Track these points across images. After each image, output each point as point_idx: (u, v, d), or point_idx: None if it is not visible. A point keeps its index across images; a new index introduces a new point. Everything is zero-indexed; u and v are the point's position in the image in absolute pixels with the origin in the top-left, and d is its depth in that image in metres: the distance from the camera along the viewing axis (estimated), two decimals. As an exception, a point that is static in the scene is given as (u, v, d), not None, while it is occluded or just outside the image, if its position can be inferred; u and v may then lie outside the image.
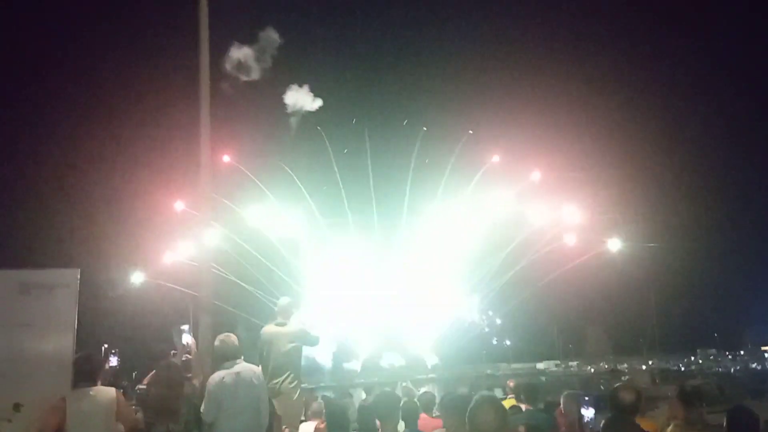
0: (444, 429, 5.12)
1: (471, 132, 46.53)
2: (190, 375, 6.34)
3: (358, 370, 46.24)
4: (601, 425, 4.33)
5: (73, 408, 5.64)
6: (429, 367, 50.77)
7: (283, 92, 46.71)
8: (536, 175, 44.07)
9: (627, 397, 4.69)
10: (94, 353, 6.13)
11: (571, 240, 41.50)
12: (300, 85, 46.63)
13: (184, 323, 6.83)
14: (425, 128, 46.40)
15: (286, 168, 45.91)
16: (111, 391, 5.86)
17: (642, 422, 5.09)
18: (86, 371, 5.83)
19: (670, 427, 5.91)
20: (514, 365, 65.66)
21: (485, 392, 2.93)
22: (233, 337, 6.52)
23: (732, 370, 51.94)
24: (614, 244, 39.71)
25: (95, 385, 5.80)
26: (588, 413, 4.71)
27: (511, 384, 8.78)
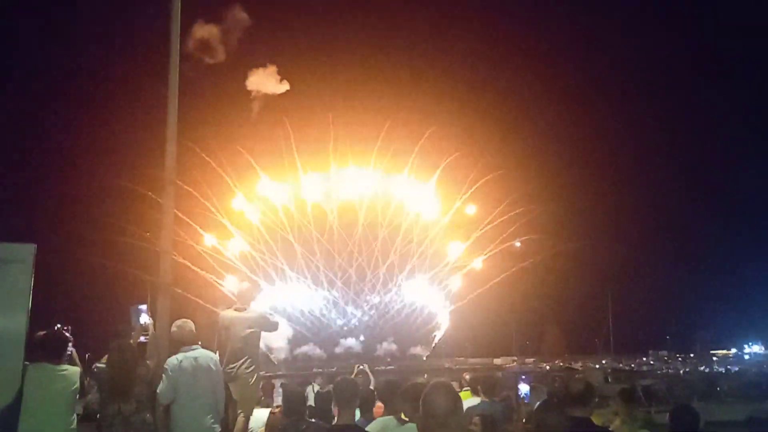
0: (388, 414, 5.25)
1: (432, 129, 47.04)
2: (145, 356, 6.29)
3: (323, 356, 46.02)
4: (534, 409, 4.48)
5: (39, 384, 5.63)
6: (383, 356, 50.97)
7: (248, 75, 46.22)
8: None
9: (576, 386, 4.83)
10: (60, 331, 6.10)
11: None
12: (266, 68, 46.14)
13: (141, 303, 6.77)
14: (387, 123, 46.69)
15: (246, 155, 45.62)
16: (77, 371, 5.91)
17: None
18: (53, 348, 5.83)
19: (615, 422, 6.11)
20: (472, 360, 66.44)
21: (440, 379, 3.00)
22: (190, 324, 6.58)
23: (681, 371, 53.36)
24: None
25: (60, 362, 5.80)
26: (524, 389, 4.89)
27: (467, 377, 8.91)
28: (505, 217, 49.60)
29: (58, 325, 6.48)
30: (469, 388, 8.21)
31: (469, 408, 6.96)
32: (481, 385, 7.93)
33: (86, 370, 6.16)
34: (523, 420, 4.57)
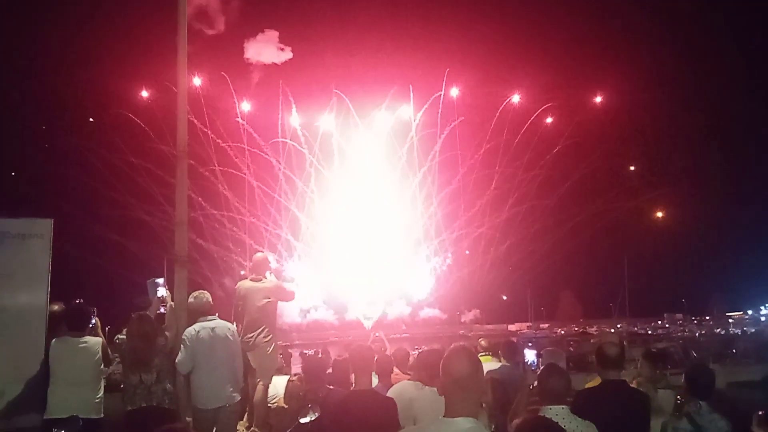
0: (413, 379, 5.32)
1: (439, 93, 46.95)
2: (164, 327, 6.38)
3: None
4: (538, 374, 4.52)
5: (63, 357, 5.78)
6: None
7: (248, 44, 45.63)
8: None
9: (611, 351, 4.89)
10: (82, 305, 6.23)
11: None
12: (266, 35, 45.46)
13: (158, 276, 6.85)
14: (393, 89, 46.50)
15: (244, 124, 45.58)
16: (98, 341, 6.08)
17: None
18: (76, 322, 5.96)
19: (633, 384, 6.14)
20: (487, 326, 66.91)
21: (458, 343, 3.01)
22: (207, 294, 6.65)
23: (697, 334, 53.35)
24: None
25: (82, 335, 5.92)
26: (530, 355, 4.92)
27: (483, 343, 8.95)
28: (515, 181, 49.48)
29: (80, 300, 6.59)
30: (489, 353, 8.26)
31: (489, 372, 7.05)
32: (502, 350, 8.04)
33: (109, 342, 6.27)
34: (530, 387, 4.66)
